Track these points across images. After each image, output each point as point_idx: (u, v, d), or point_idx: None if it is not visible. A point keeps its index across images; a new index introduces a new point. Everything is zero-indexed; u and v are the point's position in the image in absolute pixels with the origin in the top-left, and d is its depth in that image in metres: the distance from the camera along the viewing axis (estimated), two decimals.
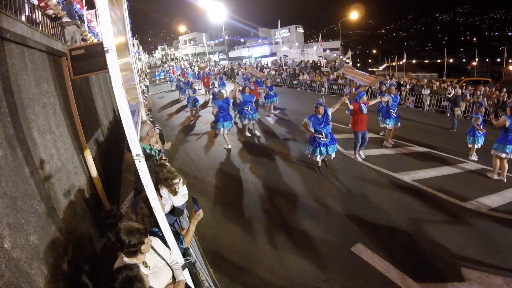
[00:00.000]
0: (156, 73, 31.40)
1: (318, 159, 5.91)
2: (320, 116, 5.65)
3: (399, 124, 7.61)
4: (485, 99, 10.98)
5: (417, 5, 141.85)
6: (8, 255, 2.04)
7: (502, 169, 5.62)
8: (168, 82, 24.62)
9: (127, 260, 1.85)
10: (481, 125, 6.49)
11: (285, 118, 10.74)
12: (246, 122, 8.52)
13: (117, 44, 1.87)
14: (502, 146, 5.55)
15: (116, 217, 4.47)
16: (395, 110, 7.53)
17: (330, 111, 5.73)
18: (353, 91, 9.05)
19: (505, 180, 5.57)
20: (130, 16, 4.35)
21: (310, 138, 5.94)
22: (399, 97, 8.05)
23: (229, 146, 7.77)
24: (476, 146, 6.57)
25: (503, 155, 5.53)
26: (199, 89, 13.29)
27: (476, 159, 6.53)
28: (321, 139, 5.67)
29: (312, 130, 5.69)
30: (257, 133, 8.76)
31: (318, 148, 5.72)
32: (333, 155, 5.92)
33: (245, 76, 15.98)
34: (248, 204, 5.11)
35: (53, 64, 4.43)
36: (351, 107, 6.39)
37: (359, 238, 4.03)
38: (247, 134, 8.74)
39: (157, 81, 28.14)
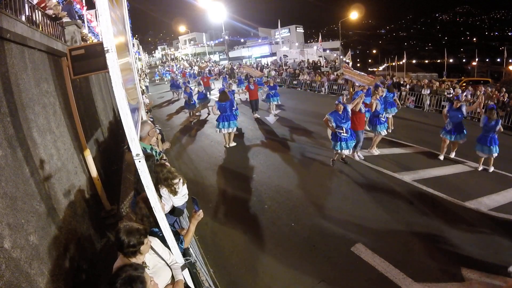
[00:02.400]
0: (163, 70, 31.18)
1: (343, 152, 6.17)
2: (340, 112, 5.97)
3: (385, 131, 7.00)
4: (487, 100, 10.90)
5: (417, 5, 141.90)
6: (8, 255, 2.04)
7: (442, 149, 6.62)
8: (166, 82, 24.57)
9: (126, 260, 1.85)
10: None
11: (285, 118, 10.74)
12: (223, 131, 7.74)
13: (117, 44, 1.87)
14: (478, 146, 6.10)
15: (116, 217, 4.47)
16: (383, 115, 6.97)
17: (349, 107, 6.04)
18: (351, 91, 9.04)
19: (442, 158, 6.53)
20: (130, 16, 4.35)
21: (331, 133, 6.29)
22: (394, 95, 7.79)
23: (229, 145, 7.82)
24: (494, 155, 5.84)
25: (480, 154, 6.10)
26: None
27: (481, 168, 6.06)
28: (342, 134, 5.97)
29: (334, 125, 6.02)
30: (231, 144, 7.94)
31: (339, 142, 6.04)
32: (347, 152, 6.17)
33: (239, 76, 15.92)
34: (248, 204, 5.11)
35: (53, 64, 4.43)
36: (352, 106, 6.38)
37: (359, 238, 4.03)
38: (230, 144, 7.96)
39: (163, 80, 27.90)
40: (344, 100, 6.19)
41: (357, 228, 4.27)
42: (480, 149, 5.97)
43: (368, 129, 7.31)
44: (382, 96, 7.29)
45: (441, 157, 6.64)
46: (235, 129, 7.85)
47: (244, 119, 10.62)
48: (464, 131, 6.42)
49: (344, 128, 5.96)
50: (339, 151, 6.11)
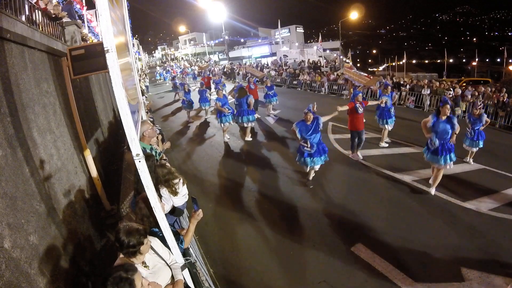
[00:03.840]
0: (162, 72, 31.08)
1: (306, 169, 5.47)
2: (308, 123, 5.16)
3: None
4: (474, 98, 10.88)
5: (417, 5, 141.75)
6: (8, 255, 2.04)
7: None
8: (167, 83, 24.59)
9: (126, 260, 1.85)
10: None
11: (285, 119, 10.74)
12: (244, 124, 8.21)
13: (117, 44, 1.87)
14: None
15: (116, 217, 4.47)
16: (392, 109, 7.62)
17: (321, 120, 5.23)
18: (351, 91, 9.09)
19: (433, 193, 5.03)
20: (130, 16, 4.36)
21: (299, 145, 5.43)
22: (394, 93, 8.30)
23: (248, 138, 8.36)
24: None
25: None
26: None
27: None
28: (305, 148, 5.18)
29: (299, 136, 5.25)
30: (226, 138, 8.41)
31: (302, 157, 5.30)
32: (316, 167, 5.42)
33: (217, 79, 16.05)
34: (248, 204, 5.11)
35: (53, 64, 4.44)
36: (346, 107, 6.37)
37: (359, 238, 4.03)
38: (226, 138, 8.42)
39: (158, 81, 27.97)
40: (315, 109, 5.29)
41: (357, 228, 4.27)
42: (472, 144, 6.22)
43: (380, 125, 7.59)
44: (392, 93, 7.84)
45: (432, 191, 5.04)
46: (254, 122, 8.41)
47: None
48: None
49: (309, 142, 5.13)
50: (303, 166, 5.41)
